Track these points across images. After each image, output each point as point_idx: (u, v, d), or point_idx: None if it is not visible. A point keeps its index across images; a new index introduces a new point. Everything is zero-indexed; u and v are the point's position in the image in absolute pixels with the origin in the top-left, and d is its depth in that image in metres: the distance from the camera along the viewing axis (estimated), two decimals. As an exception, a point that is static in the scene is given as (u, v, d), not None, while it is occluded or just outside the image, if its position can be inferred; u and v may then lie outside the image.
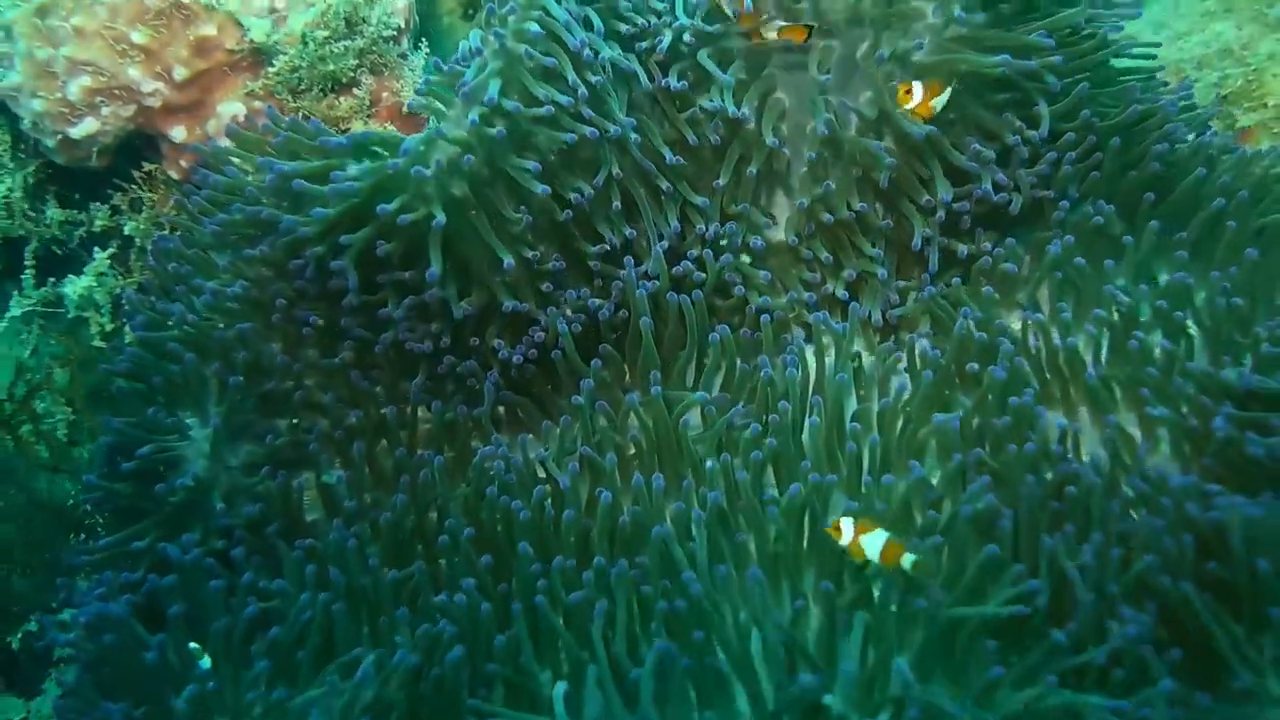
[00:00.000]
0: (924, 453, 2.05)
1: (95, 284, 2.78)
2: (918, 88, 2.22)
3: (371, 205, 2.15)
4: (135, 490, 2.24)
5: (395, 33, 2.75)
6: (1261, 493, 1.76)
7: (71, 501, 2.92)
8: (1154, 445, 2.02)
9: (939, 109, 2.25)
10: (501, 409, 2.44)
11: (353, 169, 2.21)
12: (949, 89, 2.25)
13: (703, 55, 2.45)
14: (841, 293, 2.48)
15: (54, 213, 2.83)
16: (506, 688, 1.85)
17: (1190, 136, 2.49)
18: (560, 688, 1.77)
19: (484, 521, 2.11)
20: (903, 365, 2.26)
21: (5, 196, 2.77)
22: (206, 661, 1.89)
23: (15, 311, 2.82)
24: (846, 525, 1.77)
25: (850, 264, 2.48)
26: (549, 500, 2.10)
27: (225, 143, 2.56)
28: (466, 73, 2.25)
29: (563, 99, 2.24)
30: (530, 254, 2.28)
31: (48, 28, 2.56)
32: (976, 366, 2.12)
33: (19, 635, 2.78)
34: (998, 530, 1.81)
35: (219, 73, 2.66)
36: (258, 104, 2.67)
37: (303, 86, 2.69)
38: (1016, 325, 2.24)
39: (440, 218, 2.15)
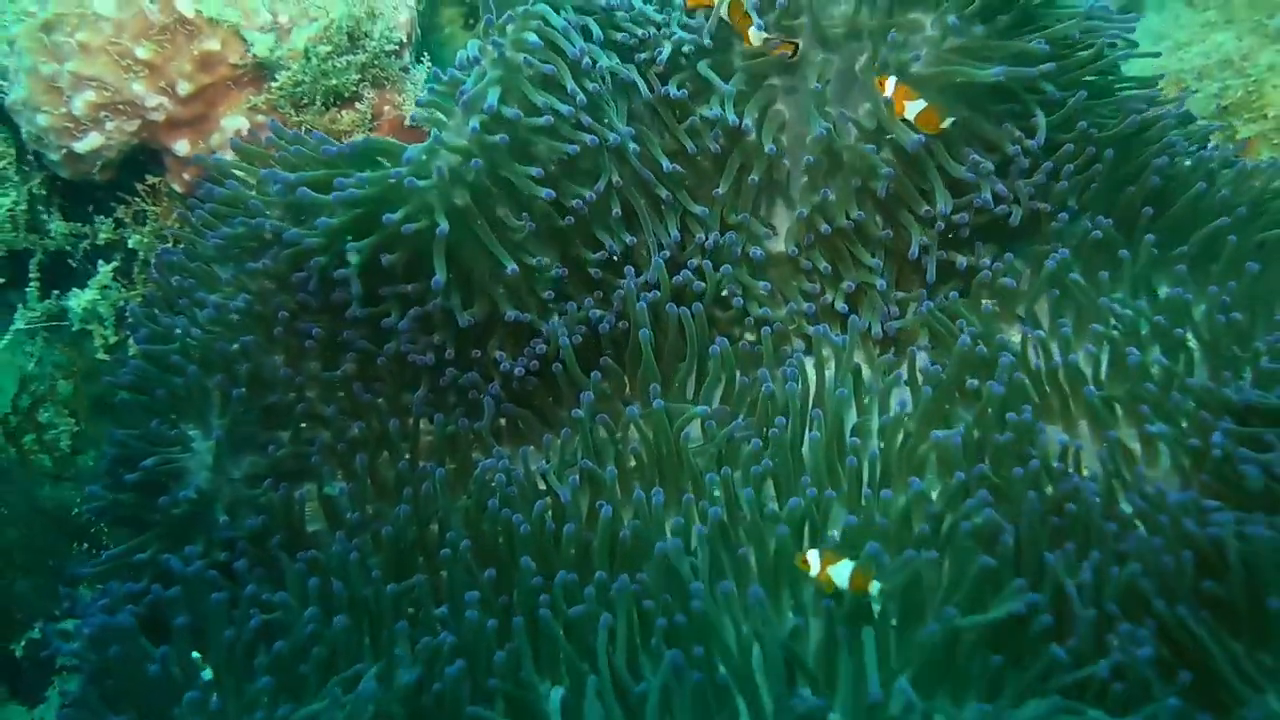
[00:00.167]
0: (924, 468, 2.05)
1: (99, 297, 2.79)
2: (910, 105, 2.25)
3: (376, 215, 2.17)
4: (138, 501, 2.25)
5: (397, 47, 2.76)
6: (1256, 510, 1.76)
7: (75, 510, 2.93)
8: (1153, 461, 2.03)
9: (946, 125, 2.28)
10: (503, 421, 2.45)
11: (356, 177, 2.22)
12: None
13: (703, 66, 2.46)
14: (841, 305, 2.48)
15: (58, 226, 2.84)
16: (507, 701, 1.85)
17: (1191, 149, 2.49)
18: (557, 694, 1.77)
19: (485, 534, 2.11)
20: (903, 379, 2.27)
21: (10, 210, 2.77)
22: (208, 673, 1.90)
23: (20, 324, 2.82)
24: (813, 558, 1.80)
25: (849, 274, 2.48)
26: (550, 513, 2.11)
27: (229, 156, 2.58)
28: (466, 81, 2.26)
29: (563, 108, 2.25)
30: (533, 260, 2.29)
31: (53, 43, 2.57)
32: (976, 383, 2.12)
33: (22, 643, 2.78)
34: (999, 546, 1.81)
35: (222, 87, 2.68)
36: (261, 118, 2.68)
37: (305, 101, 2.70)
38: (1016, 339, 2.24)
39: (444, 226, 2.16)
